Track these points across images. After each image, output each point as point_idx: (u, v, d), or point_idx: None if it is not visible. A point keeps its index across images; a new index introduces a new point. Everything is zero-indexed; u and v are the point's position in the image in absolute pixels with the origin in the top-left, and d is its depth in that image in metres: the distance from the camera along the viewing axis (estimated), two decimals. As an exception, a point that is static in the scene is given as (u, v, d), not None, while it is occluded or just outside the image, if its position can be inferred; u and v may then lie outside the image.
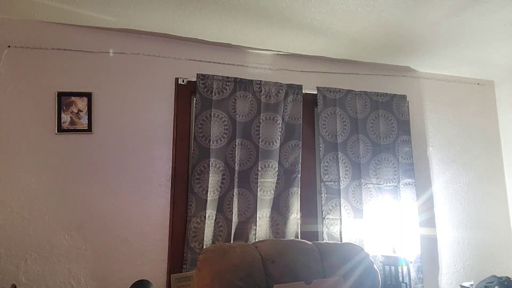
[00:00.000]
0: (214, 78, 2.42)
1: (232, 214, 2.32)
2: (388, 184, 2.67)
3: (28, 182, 2.11)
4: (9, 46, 2.18)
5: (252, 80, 2.51)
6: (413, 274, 2.55)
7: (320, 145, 2.60)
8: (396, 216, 2.54)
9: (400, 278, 2.35)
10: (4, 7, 2.10)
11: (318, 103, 2.65)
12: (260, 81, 2.52)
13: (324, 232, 2.48)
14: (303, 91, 2.60)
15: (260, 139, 2.45)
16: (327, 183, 2.55)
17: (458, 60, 2.84)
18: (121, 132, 2.30)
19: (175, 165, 2.33)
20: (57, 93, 2.21)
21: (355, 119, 2.70)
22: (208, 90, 2.40)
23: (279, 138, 2.49)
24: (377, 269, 2.16)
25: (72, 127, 2.22)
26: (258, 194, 2.39)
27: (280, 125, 2.50)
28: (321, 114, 2.64)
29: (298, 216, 2.45)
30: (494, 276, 2.68)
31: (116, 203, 2.22)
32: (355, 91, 2.74)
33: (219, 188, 2.33)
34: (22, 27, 2.22)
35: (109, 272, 2.14)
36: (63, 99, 2.22)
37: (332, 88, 2.69)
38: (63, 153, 2.18)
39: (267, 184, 2.42)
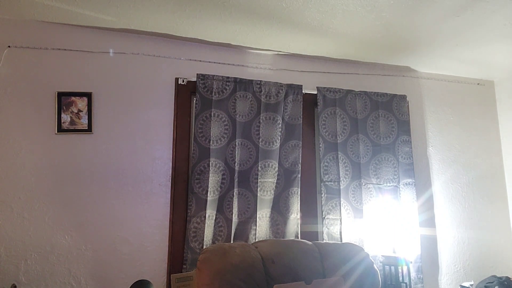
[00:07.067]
0: (214, 78, 2.42)
1: (232, 214, 2.32)
2: (388, 184, 2.67)
3: (28, 182, 2.11)
4: (9, 46, 2.18)
5: (252, 80, 2.51)
6: (413, 274, 2.55)
7: (320, 145, 2.60)
8: (396, 216, 2.54)
9: (400, 278, 2.35)
10: (4, 7, 2.10)
11: (318, 103, 2.65)
12: (260, 81, 2.52)
13: (324, 232, 2.48)
14: (303, 91, 2.60)
15: (260, 139, 2.45)
16: (327, 183, 2.55)
17: (458, 60, 2.84)
18: (121, 132, 2.30)
19: (175, 165, 2.33)
20: (57, 93, 2.21)
21: (355, 119, 2.70)
22: (208, 90, 2.40)
23: (279, 138, 2.49)
24: (377, 269, 2.16)
25: (72, 127, 2.22)
26: (258, 194, 2.39)
27: (280, 125, 2.50)
28: (321, 114, 2.64)
29: (298, 216, 2.45)
30: (494, 276, 2.68)
31: (116, 203, 2.22)
32: (355, 91, 2.74)
33: (219, 188, 2.33)
34: (22, 27, 2.22)
35: (109, 272, 2.14)
36: (63, 99, 2.22)
37: (332, 88, 2.70)
38: (63, 153, 2.18)
39: (267, 184, 2.42)
